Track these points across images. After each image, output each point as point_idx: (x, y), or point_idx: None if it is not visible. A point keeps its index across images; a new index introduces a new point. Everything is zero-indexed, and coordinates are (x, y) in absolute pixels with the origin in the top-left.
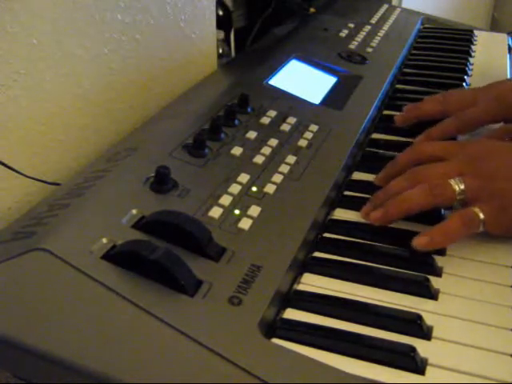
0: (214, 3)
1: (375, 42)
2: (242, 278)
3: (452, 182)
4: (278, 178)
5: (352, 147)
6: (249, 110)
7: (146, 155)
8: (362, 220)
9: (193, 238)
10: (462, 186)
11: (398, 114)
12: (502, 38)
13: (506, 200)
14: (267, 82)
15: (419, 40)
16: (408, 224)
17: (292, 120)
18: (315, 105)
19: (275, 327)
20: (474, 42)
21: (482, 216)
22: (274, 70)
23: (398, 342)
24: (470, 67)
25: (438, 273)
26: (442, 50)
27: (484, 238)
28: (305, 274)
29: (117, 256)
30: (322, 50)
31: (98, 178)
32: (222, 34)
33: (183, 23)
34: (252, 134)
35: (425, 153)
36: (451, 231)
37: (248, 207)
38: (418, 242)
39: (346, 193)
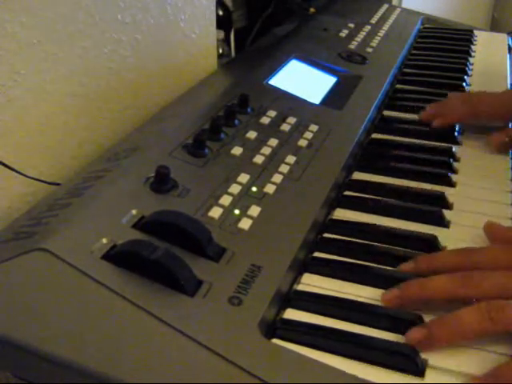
0: (214, 3)
1: (375, 42)
2: (241, 278)
3: None
4: (277, 178)
5: (352, 147)
6: (249, 110)
7: (145, 155)
8: (362, 220)
9: (193, 238)
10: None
11: (397, 114)
12: (502, 38)
13: None
14: (267, 82)
15: (419, 40)
16: (408, 224)
17: (292, 120)
18: (315, 105)
19: (275, 327)
20: (474, 42)
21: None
22: (273, 70)
23: (399, 343)
24: (470, 67)
25: None
26: (442, 50)
27: (484, 237)
28: (305, 274)
29: (117, 256)
30: (322, 50)
31: (98, 177)
32: (222, 34)
33: (183, 23)
34: (252, 134)
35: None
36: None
37: (248, 207)
38: (414, 333)
39: (346, 193)
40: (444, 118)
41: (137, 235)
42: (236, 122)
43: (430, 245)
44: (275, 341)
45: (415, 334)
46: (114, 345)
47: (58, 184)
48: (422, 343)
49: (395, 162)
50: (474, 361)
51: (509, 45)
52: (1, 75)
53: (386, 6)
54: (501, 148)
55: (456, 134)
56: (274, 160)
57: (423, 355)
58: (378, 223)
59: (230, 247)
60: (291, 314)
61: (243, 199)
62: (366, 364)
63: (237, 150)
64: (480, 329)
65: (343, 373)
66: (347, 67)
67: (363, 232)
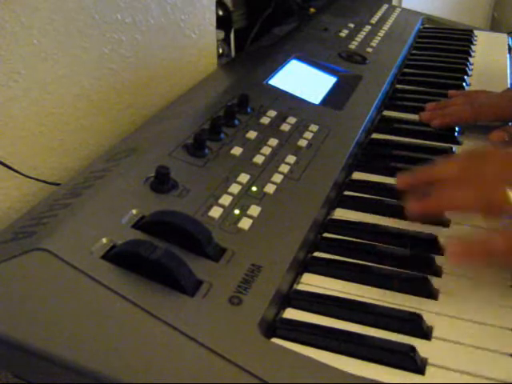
0: (214, 3)
1: (375, 41)
2: (242, 277)
3: (507, 190)
4: (278, 177)
5: (352, 147)
6: (249, 110)
7: (145, 155)
8: (362, 220)
9: (193, 238)
10: None
11: (397, 114)
12: (502, 38)
13: None
14: (267, 82)
15: (419, 40)
16: (408, 224)
17: (292, 120)
18: (315, 105)
19: (275, 327)
20: (474, 42)
21: None
22: (273, 70)
23: (398, 342)
24: (470, 67)
25: (438, 273)
26: (442, 50)
27: None
28: (305, 274)
29: (117, 256)
30: (322, 50)
31: (98, 177)
32: (222, 34)
33: (183, 23)
34: (252, 134)
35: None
36: (493, 252)
37: (248, 207)
38: (452, 251)
39: (346, 193)
40: (443, 118)
41: (137, 235)
42: (236, 121)
43: (430, 244)
44: (275, 340)
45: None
46: (114, 345)
47: (58, 184)
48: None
49: (395, 162)
50: (473, 359)
51: (509, 45)
52: (1, 75)
53: (386, 6)
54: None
55: (456, 134)
56: (274, 160)
57: (423, 354)
58: (377, 223)
59: (230, 247)
60: (291, 313)
61: (243, 199)
62: (366, 363)
63: (237, 150)
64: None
65: (343, 372)
66: (347, 67)
67: (363, 232)
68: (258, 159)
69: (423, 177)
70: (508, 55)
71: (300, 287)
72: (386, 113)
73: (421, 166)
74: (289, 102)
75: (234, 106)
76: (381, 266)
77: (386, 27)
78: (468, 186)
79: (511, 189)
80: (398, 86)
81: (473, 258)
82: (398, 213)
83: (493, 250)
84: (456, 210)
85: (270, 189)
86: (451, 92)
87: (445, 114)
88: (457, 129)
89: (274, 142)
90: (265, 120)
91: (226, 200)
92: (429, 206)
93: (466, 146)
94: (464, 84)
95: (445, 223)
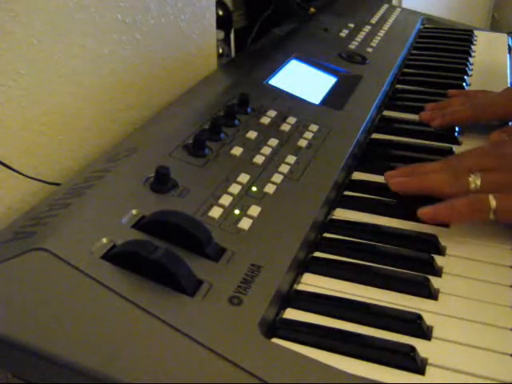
0: (214, 3)
1: (375, 41)
2: (242, 277)
3: (471, 176)
4: (277, 177)
5: (352, 147)
6: (249, 110)
7: (146, 155)
8: (362, 220)
9: (193, 238)
10: (478, 182)
11: (397, 114)
12: (502, 37)
13: None
14: (267, 82)
15: (419, 40)
16: (408, 224)
17: (292, 120)
18: (315, 105)
19: (275, 327)
20: (474, 42)
21: (493, 204)
22: (273, 70)
23: (398, 342)
24: (470, 67)
25: (438, 273)
26: (442, 50)
27: (484, 237)
28: (305, 274)
29: (117, 256)
30: (322, 50)
31: (98, 177)
32: (221, 34)
33: (183, 23)
34: (252, 134)
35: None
36: (457, 209)
37: (248, 207)
38: (423, 212)
39: (346, 193)
40: (443, 118)
41: (137, 235)
42: (236, 121)
43: (430, 244)
44: (275, 340)
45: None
46: (114, 345)
47: (58, 184)
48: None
49: (395, 162)
50: (473, 359)
51: (509, 45)
52: (1, 75)
53: (386, 6)
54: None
55: (456, 134)
56: (274, 160)
57: (423, 354)
58: (378, 223)
59: (230, 247)
60: (291, 313)
61: (243, 199)
62: (366, 363)
63: (237, 150)
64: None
65: (343, 372)
66: (347, 67)
67: (363, 232)
68: (258, 159)
69: (410, 169)
70: (508, 55)
71: (300, 287)
72: (386, 113)
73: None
74: (289, 102)
75: (234, 106)
76: (381, 265)
77: (386, 27)
78: (445, 172)
79: (472, 175)
80: (398, 86)
81: (440, 220)
82: (398, 213)
83: (456, 210)
84: (431, 190)
85: (270, 189)
86: (451, 91)
87: (445, 113)
88: (457, 129)
89: (274, 142)
90: (265, 120)
91: (226, 200)
92: (408, 182)
93: (466, 145)
94: (464, 84)
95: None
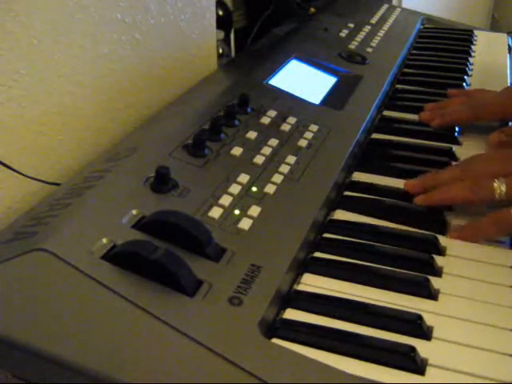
0: (214, 3)
1: (375, 41)
2: (242, 278)
3: (496, 182)
4: (278, 178)
5: (352, 147)
6: (249, 110)
7: (146, 155)
8: (362, 220)
9: (193, 238)
10: (503, 188)
11: (397, 114)
12: (502, 38)
13: None
14: (267, 82)
15: (419, 40)
16: (408, 224)
17: (292, 120)
18: (315, 105)
19: (275, 327)
20: (474, 42)
21: None
22: (273, 70)
23: (398, 342)
24: (470, 67)
25: (438, 273)
26: (442, 50)
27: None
28: (305, 274)
29: (117, 256)
30: (322, 50)
31: (98, 178)
32: (221, 34)
33: (183, 23)
34: (252, 134)
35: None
36: (482, 229)
37: (248, 207)
38: (451, 235)
39: (346, 193)
40: (443, 118)
41: (137, 235)
42: (236, 122)
43: (430, 244)
44: (275, 340)
45: (419, 198)
46: (114, 345)
47: (58, 184)
48: (422, 201)
49: (395, 162)
50: (473, 359)
51: (509, 45)
52: (1, 75)
53: (386, 6)
54: (499, 147)
55: (456, 134)
56: (274, 160)
57: (423, 354)
58: (377, 223)
59: (230, 247)
60: (291, 313)
61: (243, 199)
62: (366, 363)
63: (237, 150)
64: (463, 197)
65: (343, 372)
66: (347, 67)
67: (363, 232)
68: (258, 159)
69: (431, 182)
70: (508, 55)
71: (300, 287)
72: (386, 113)
73: (426, 172)
74: (289, 102)
75: (234, 106)
76: (380, 266)
77: (386, 27)
78: (467, 180)
79: (497, 181)
80: (398, 86)
81: (465, 240)
82: (398, 213)
83: (482, 230)
84: (456, 201)
85: (270, 189)
86: (451, 91)
87: (444, 113)
88: (457, 129)
89: (274, 142)
90: (265, 120)
91: (226, 200)
92: (431, 198)
93: (466, 145)
94: (464, 84)
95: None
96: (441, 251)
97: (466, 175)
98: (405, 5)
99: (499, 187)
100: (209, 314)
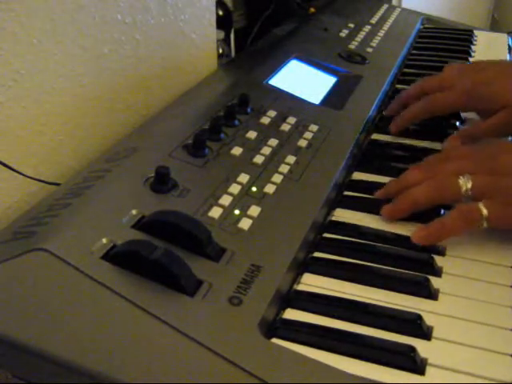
0: (214, 3)
1: (375, 41)
2: (241, 278)
3: (461, 180)
4: (277, 178)
5: (352, 147)
6: (249, 110)
7: (145, 155)
8: (362, 220)
9: (193, 238)
10: (469, 185)
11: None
12: (502, 38)
13: (511, 196)
14: (267, 82)
15: (419, 40)
16: (408, 224)
17: (292, 120)
18: (315, 105)
19: (275, 327)
20: (474, 42)
21: (485, 212)
22: (273, 69)
23: (398, 342)
24: None
25: (438, 273)
26: (442, 50)
27: (484, 237)
28: (305, 274)
29: (117, 256)
30: (322, 50)
31: (98, 177)
32: (221, 34)
33: (183, 23)
34: (252, 134)
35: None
36: (449, 225)
37: (248, 207)
38: (416, 236)
39: (346, 193)
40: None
41: (137, 235)
42: (236, 122)
43: (430, 244)
44: (275, 340)
45: (385, 209)
46: (114, 345)
47: (58, 184)
48: (389, 215)
49: (395, 162)
50: (473, 359)
51: (509, 45)
52: (1, 75)
53: (385, 6)
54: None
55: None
56: (274, 160)
57: (423, 354)
58: (377, 223)
59: (230, 247)
60: (291, 313)
61: (243, 199)
62: (366, 363)
63: (237, 150)
64: (430, 198)
65: (343, 372)
66: (347, 67)
67: (363, 232)
68: (258, 159)
69: (394, 188)
70: (508, 55)
71: (300, 287)
72: (386, 113)
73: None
74: (289, 102)
75: (234, 106)
76: (380, 266)
77: (386, 27)
78: (432, 180)
79: (462, 178)
80: (398, 86)
81: (436, 240)
82: None
83: (448, 226)
84: (423, 205)
85: (270, 189)
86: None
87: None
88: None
89: (274, 142)
90: (265, 120)
91: (226, 200)
92: (397, 209)
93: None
94: None
95: None
96: (441, 251)
97: (428, 176)
98: (405, 5)
99: (465, 184)
100: (209, 313)
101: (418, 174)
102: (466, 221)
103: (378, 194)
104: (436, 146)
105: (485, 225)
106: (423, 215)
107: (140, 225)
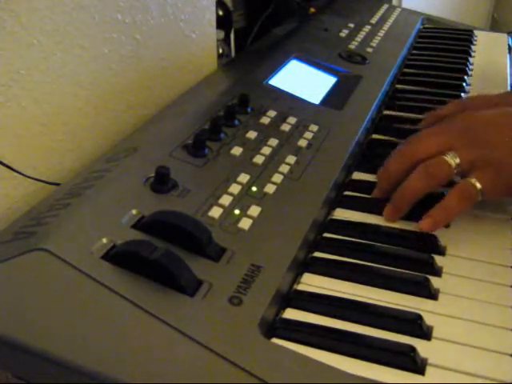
0: (214, 3)
1: (375, 41)
2: (241, 277)
3: (447, 157)
4: (278, 177)
5: (352, 147)
6: (249, 110)
7: (145, 155)
8: (362, 220)
9: (193, 238)
10: (458, 160)
11: (397, 113)
12: (502, 38)
13: (500, 165)
14: (267, 82)
15: (419, 40)
16: (407, 224)
17: (292, 120)
18: (315, 105)
19: (275, 327)
20: (474, 42)
21: (478, 185)
22: (273, 69)
23: (398, 342)
24: (470, 67)
25: (438, 273)
26: (442, 50)
27: (484, 237)
28: (305, 274)
29: (117, 256)
30: (322, 50)
31: (98, 178)
32: (221, 34)
33: (183, 23)
34: (252, 134)
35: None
36: (451, 207)
37: (248, 207)
38: (423, 226)
39: (346, 193)
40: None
41: (137, 235)
42: (236, 122)
43: (430, 244)
44: (275, 340)
45: (387, 212)
46: (114, 345)
47: (58, 184)
48: (392, 217)
49: None
50: (473, 359)
51: (509, 45)
52: (1, 75)
53: (386, 6)
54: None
55: None
56: (274, 160)
57: (423, 354)
58: (378, 223)
59: (230, 247)
60: (291, 313)
61: (243, 199)
62: (366, 363)
63: (237, 150)
64: (425, 185)
65: (343, 372)
66: (347, 67)
67: (363, 232)
68: (258, 159)
69: (384, 184)
70: (508, 55)
71: (300, 287)
72: (386, 113)
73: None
74: (289, 102)
75: (234, 106)
76: (381, 266)
77: (386, 27)
78: (421, 168)
79: (448, 155)
80: (398, 86)
81: (441, 224)
82: None
83: (452, 208)
84: (417, 197)
85: (270, 189)
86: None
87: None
88: None
89: (274, 142)
90: (265, 120)
91: (226, 200)
92: (397, 208)
93: None
94: (464, 84)
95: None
96: (441, 251)
97: (411, 160)
98: (405, 5)
99: (453, 160)
100: (209, 313)
101: (399, 165)
102: (464, 198)
103: (374, 194)
104: None
105: (480, 198)
106: (421, 213)
107: (140, 225)
